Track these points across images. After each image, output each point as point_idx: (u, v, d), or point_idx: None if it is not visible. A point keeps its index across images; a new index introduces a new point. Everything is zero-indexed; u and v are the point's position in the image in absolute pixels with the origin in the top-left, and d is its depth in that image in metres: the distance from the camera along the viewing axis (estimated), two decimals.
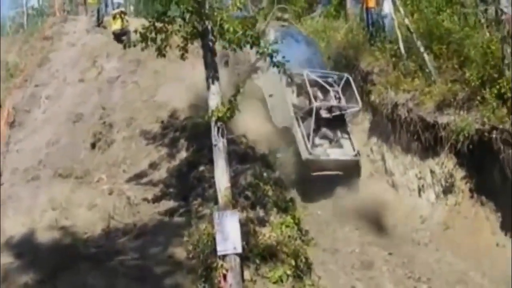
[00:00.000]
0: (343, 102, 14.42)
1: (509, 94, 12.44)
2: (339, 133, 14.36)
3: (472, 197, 12.97)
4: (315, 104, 13.63)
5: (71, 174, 13.23)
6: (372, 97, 15.17)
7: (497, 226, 12.76)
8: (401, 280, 10.63)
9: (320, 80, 14.30)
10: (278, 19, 16.70)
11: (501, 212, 12.89)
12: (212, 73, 8.71)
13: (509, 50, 12.54)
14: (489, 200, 12.98)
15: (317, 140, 13.82)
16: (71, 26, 22.26)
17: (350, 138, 14.38)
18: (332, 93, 14.29)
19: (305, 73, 14.02)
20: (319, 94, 14.43)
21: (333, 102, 14.25)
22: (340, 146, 14.19)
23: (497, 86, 12.64)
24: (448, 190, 12.77)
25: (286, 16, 17.13)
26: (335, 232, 12.41)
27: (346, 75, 14.68)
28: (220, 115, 8.54)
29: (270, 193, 10.83)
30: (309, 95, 13.89)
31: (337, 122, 14.38)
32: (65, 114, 15.91)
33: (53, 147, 14.65)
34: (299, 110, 14.01)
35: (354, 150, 14.10)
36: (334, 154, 13.81)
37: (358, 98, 14.36)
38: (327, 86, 14.31)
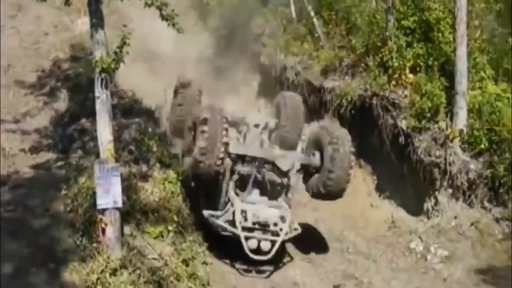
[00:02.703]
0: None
1: (390, 63, 13.05)
2: None
3: None
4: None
5: None
6: (262, 59, 15.32)
7: (372, 188, 13.50)
8: None
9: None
10: None
11: (377, 175, 13.65)
12: (96, 21, 8.30)
13: (392, 21, 13.08)
14: (367, 163, 13.67)
15: None
16: None
17: None
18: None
19: None
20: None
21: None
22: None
23: (380, 55, 13.22)
24: None
25: None
26: None
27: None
28: (104, 66, 8.21)
29: (154, 148, 10.69)
30: None
31: None
32: None
33: None
34: None
35: None
36: None
37: None
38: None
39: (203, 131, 9.59)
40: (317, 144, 10.84)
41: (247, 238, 9.71)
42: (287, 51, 14.97)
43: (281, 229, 9.91)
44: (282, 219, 10.01)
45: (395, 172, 13.03)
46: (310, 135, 11.39)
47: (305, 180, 11.06)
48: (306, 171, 10.98)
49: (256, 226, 9.88)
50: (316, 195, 10.93)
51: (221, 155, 9.76)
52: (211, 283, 8.99)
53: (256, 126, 11.46)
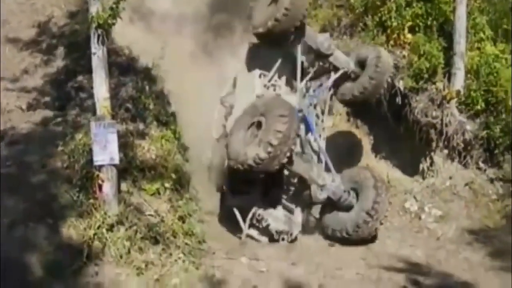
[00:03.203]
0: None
1: (389, 23, 12.95)
2: None
3: (348, 120, 13.60)
4: None
5: None
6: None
7: (368, 149, 13.56)
8: None
9: None
10: None
11: (373, 135, 13.69)
12: None
13: None
14: (364, 123, 13.70)
15: None
16: None
17: None
18: None
19: None
20: None
21: None
22: None
23: (379, 14, 13.12)
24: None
25: None
26: None
27: None
28: (100, 21, 8.18)
29: (151, 106, 10.68)
30: None
31: None
32: None
33: None
34: None
35: None
36: None
37: None
38: None
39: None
40: None
41: None
42: None
43: None
44: None
45: (391, 132, 13.07)
46: None
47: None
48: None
49: None
50: None
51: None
52: (206, 240, 9.11)
53: None
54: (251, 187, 10.49)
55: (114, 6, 8.18)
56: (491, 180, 11.95)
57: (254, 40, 11.40)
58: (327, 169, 10.73)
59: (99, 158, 8.12)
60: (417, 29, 12.99)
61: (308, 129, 10.99)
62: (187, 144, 11.21)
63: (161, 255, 8.08)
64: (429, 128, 12.40)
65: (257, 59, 11.32)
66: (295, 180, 10.66)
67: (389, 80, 12.06)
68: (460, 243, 10.67)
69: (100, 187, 8.11)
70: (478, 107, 12.14)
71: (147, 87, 11.18)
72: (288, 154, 9.49)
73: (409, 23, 13.00)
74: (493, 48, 12.62)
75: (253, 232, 10.40)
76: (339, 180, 10.60)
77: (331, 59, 11.59)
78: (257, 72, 11.13)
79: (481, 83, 12.22)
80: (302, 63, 11.32)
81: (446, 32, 12.89)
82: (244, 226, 10.35)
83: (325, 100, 11.85)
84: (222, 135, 11.20)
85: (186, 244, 8.50)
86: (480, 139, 12.08)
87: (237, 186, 10.59)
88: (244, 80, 11.33)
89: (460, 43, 12.39)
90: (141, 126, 10.19)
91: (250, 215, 10.30)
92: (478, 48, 12.76)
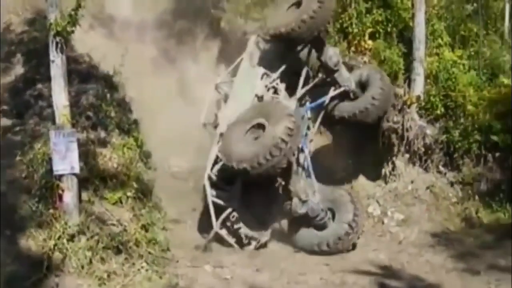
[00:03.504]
0: None
1: (350, 29, 13.09)
2: None
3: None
4: None
5: None
6: (222, 24, 15.16)
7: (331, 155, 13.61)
8: None
9: None
10: None
11: (336, 141, 13.77)
12: None
13: None
14: (326, 129, 13.74)
15: None
16: None
17: None
18: None
19: None
20: None
21: None
22: None
23: (340, 21, 13.24)
24: None
25: None
26: None
27: None
28: (59, 29, 8.06)
29: (113, 114, 10.57)
30: None
31: None
32: None
33: None
34: None
35: None
36: None
37: None
38: None
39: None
40: None
41: None
42: (247, 17, 14.83)
43: None
44: None
45: (354, 138, 13.16)
46: None
47: None
48: None
49: None
50: None
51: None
52: (170, 248, 9.04)
53: None
54: (231, 186, 10.46)
55: (72, 13, 8.07)
56: (451, 184, 12.14)
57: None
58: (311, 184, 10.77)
59: (59, 167, 8.00)
60: (377, 35, 13.16)
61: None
62: (150, 151, 11.13)
63: (123, 265, 7.98)
64: (391, 133, 12.53)
65: (263, 56, 11.30)
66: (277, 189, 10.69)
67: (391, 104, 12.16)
68: (422, 246, 10.80)
69: (60, 197, 7.99)
70: (438, 111, 12.34)
71: (108, 95, 11.07)
72: (295, 152, 9.73)
73: (370, 30, 13.16)
74: (451, 54, 12.85)
75: (223, 232, 10.34)
76: (319, 198, 10.62)
77: (336, 75, 11.58)
78: (261, 70, 11.11)
79: (440, 88, 12.42)
80: (308, 72, 11.34)
81: (405, 38, 13.08)
82: (216, 223, 10.24)
83: (319, 113, 11.86)
84: (213, 123, 11.14)
85: (149, 253, 8.43)
86: (440, 143, 12.26)
87: (218, 182, 10.53)
88: (246, 74, 11.27)
89: (420, 49, 12.58)
90: (102, 134, 10.07)
91: (224, 215, 10.24)
92: (437, 54, 12.98)
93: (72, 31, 8.18)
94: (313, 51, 11.30)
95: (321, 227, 10.57)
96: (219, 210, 10.29)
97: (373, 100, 11.57)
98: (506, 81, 12.06)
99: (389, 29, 13.16)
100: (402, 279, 9.07)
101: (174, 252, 9.09)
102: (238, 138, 9.86)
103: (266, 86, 11.02)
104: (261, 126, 9.82)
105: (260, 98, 10.79)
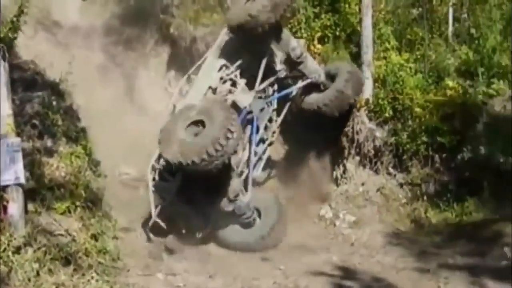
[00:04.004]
0: None
1: (299, 34, 13.29)
2: None
3: None
4: None
5: None
6: (171, 30, 15.08)
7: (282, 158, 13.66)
8: None
9: None
10: None
11: (287, 145, 13.83)
12: None
13: None
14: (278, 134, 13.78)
15: None
16: None
17: None
18: None
19: None
20: None
21: None
22: None
23: (289, 26, 13.45)
24: None
25: None
26: None
27: None
28: (0, 35, 7.89)
29: (59, 122, 10.32)
30: None
31: None
32: None
33: None
34: None
35: None
36: None
37: None
38: None
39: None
40: None
41: None
42: (196, 22, 14.80)
43: None
44: None
45: (305, 141, 13.24)
46: None
47: None
48: None
49: None
50: None
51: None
52: (121, 258, 8.89)
53: None
54: (172, 177, 10.47)
55: (14, 19, 7.92)
56: (401, 185, 12.34)
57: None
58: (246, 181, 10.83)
59: (4, 178, 7.77)
60: (326, 39, 13.34)
61: (251, 132, 11.10)
62: (99, 160, 10.93)
63: (72, 276, 7.77)
64: (342, 136, 12.69)
65: (226, 49, 11.29)
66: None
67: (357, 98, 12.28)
68: (373, 247, 10.94)
69: (5, 208, 7.75)
70: (386, 114, 12.53)
71: (54, 103, 10.77)
72: (233, 153, 9.70)
73: (319, 34, 13.35)
74: (398, 57, 13.08)
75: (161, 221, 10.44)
76: (249, 197, 10.67)
77: (301, 66, 11.63)
78: (221, 62, 11.11)
79: (388, 92, 12.63)
80: (268, 64, 11.27)
81: (354, 42, 13.29)
82: (154, 213, 10.40)
83: (285, 105, 11.99)
84: (171, 113, 11.01)
85: (100, 263, 8.26)
86: (389, 145, 12.45)
87: (163, 172, 10.60)
88: (209, 66, 11.25)
89: (368, 53, 12.78)
90: (49, 143, 9.80)
91: (160, 206, 10.43)
92: (385, 58, 13.20)
93: (15, 38, 8.04)
94: (275, 43, 11.30)
95: (246, 225, 10.80)
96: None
97: (337, 93, 11.73)
98: (451, 83, 12.33)
99: (337, 33, 13.37)
100: (356, 280, 9.17)
101: (125, 261, 8.94)
102: (178, 132, 9.82)
103: (221, 78, 11.03)
104: (201, 123, 9.79)
105: (214, 90, 10.77)
